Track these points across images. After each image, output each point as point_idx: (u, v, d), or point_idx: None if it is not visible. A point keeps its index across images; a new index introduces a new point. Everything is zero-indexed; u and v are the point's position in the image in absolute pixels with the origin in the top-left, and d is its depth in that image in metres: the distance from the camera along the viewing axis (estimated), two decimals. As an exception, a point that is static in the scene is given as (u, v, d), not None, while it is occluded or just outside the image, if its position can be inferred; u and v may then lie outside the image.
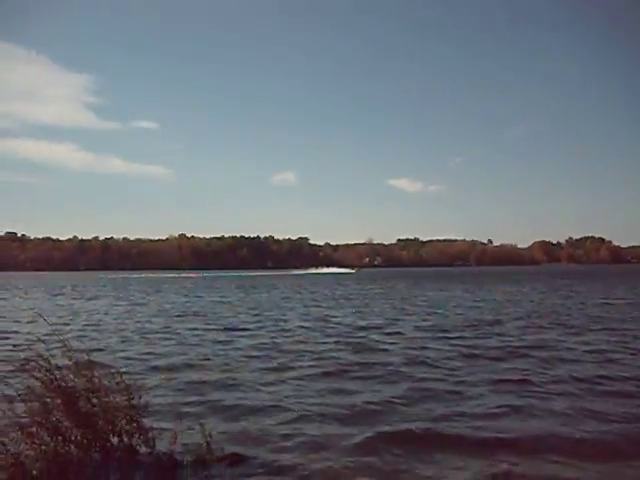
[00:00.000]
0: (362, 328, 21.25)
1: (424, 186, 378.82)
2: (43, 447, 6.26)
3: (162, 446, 6.95)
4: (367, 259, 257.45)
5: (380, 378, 12.19)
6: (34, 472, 6.13)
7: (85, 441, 6.48)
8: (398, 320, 24.24)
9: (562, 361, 13.80)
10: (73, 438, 6.45)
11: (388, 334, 19.34)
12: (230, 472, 6.90)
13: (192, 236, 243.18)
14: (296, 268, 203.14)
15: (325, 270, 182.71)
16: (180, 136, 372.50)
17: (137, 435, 6.79)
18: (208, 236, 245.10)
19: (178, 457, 6.98)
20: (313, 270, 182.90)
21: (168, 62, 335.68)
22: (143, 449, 6.86)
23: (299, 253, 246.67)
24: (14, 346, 16.19)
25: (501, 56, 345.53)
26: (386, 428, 8.58)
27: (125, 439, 6.73)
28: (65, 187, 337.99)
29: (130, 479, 6.55)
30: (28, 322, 23.79)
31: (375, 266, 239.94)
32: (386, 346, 16.46)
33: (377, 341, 17.61)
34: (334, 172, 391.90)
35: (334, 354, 15.10)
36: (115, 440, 6.69)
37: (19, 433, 6.17)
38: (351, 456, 7.49)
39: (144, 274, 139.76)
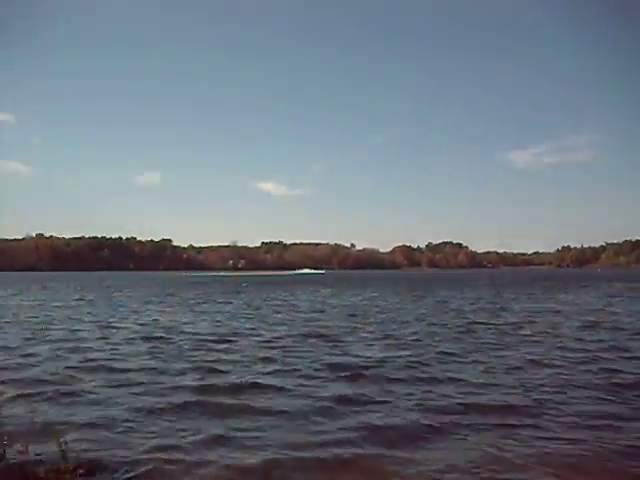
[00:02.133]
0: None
1: (288, 189, 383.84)
2: None
3: (12, 456, 6.80)
4: (231, 262, 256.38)
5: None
6: None
7: None
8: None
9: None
10: None
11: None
12: (87, 481, 6.83)
13: (51, 236, 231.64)
14: (159, 270, 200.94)
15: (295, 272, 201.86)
16: (39, 130, 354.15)
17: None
18: (67, 236, 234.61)
19: (30, 467, 6.83)
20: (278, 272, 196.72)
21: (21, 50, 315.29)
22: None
23: (162, 255, 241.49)
24: None
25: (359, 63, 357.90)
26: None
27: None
28: None
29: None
30: None
31: (239, 269, 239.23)
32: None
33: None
34: (199, 174, 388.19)
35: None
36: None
37: None
38: (203, 448, 7.79)
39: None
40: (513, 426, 8.85)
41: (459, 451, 7.75)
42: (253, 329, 22.23)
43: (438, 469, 7.09)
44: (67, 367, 13.80)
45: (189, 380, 12.33)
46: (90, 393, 11.06)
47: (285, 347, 17.10)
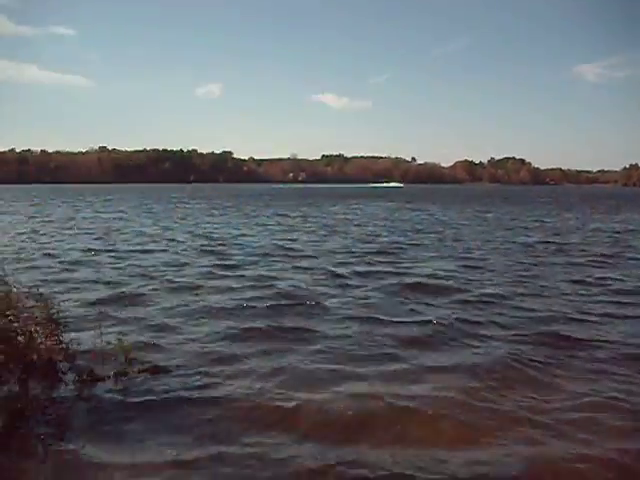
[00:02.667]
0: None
1: (349, 102, 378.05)
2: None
3: (82, 360, 7.07)
4: (291, 174, 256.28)
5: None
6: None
7: (4, 357, 6.49)
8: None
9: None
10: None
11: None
12: (149, 384, 7.09)
13: (113, 149, 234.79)
14: (219, 182, 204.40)
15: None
16: (100, 44, 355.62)
17: (57, 349, 6.85)
18: (129, 149, 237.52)
19: (98, 371, 7.11)
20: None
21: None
22: (63, 364, 6.95)
23: (223, 167, 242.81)
24: None
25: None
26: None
27: (44, 354, 6.78)
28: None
29: (51, 395, 6.65)
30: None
31: (299, 181, 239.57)
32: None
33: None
34: (260, 85, 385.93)
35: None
36: (35, 356, 6.72)
37: None
38: (266, 375, 7.82)
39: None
40: (580, 359, 8.36)
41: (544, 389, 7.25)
42: (316, 241, 22.74)
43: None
44: (132, 284, 13.67)
45: (252, 300, 11.96)
46: (154, 311, 11.08)
47: (345, 263, 17.07)
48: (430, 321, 10.28)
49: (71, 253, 19.16)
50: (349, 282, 14.11)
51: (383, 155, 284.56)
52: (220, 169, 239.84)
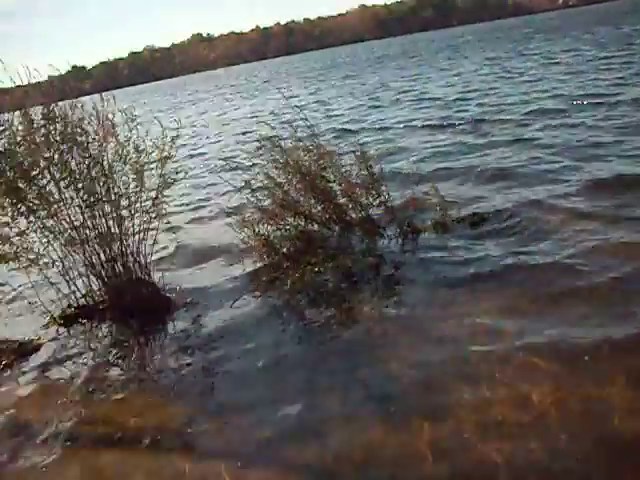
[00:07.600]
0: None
1: None
2: (287, 227, 6.47)
3: (400, 214, 6.85)
4: (561, 0, 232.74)
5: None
6: (284, 250, 6.38)
7: (326, 217, 6.56)
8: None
9: None
10: (314, 216, 6.57)
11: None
12: (470, 233, 6.57)
13: (372, 5, 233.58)
14: (483, 22, 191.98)
15: None
16: None
17: (375, 206, 6.73)
18: (388, 2, 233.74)
19: (416, 222, 6.83)
20: None
21: None
22: (383, 218, 6.85)
23: (485, 4, 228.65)
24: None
25: None
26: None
27: (363, 212, 6.70)
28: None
29: (372, 249, 6.53)
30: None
31: (570, 6, 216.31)
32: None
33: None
34: None
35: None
36: (354, 214, 6.70)
37: (263, 216, 6.37)
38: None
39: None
40: None
41: None
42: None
43: None
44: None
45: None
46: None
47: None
48: None
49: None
50: None
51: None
52: (483, 6, 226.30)
